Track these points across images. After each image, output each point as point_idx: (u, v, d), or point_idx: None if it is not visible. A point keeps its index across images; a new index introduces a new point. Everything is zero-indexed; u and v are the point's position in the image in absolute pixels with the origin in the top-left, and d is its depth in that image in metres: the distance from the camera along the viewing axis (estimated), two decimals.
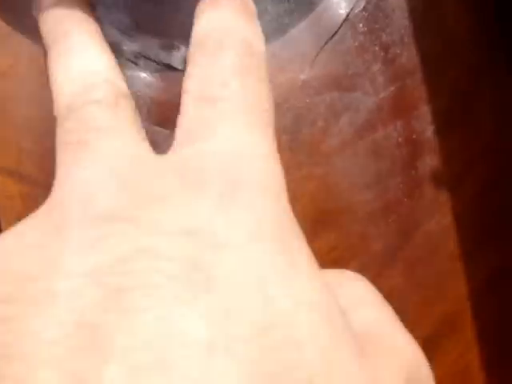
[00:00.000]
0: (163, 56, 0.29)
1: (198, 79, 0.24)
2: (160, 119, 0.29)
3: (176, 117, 0.29)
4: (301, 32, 0.29)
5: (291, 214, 0.21)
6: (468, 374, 0.30)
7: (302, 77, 0.29)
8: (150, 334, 0.17)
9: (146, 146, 0.24)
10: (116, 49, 0.29)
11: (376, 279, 0.29)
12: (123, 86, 0.25)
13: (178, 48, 0.29)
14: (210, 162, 0.21)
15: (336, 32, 0.30)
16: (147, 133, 0.29)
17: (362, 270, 0.29)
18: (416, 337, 0.30)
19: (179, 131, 0.24)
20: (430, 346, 0.30)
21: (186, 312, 0.18)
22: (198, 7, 0.26)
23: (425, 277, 0.30)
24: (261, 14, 0.29)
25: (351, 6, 0.30)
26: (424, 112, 0.30)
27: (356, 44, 0.30)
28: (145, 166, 0.22)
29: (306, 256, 0.21)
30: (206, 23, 0.25)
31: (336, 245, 0.29)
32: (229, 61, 0.23)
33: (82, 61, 0.25)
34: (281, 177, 0.22)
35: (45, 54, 0.28)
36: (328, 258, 0.29)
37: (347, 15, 0.30)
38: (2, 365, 0.17)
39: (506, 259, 0.30)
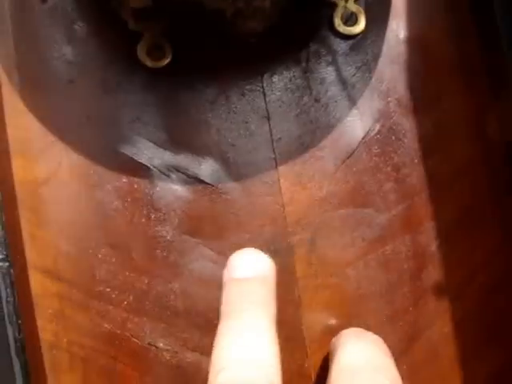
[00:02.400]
0: (193, 169, 0.32)
1: None
2: (189, 229, 0.32)
3: (203, 228, 0.32)
4: (321, 151, 0.32)
5: None
6: None
7: (321, 194, 0.32)
8: None
9: None
10: (150, 162, 0.32)
11: None
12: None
13: (207, 162, 0.32)
14: None
15: (353, 153, 0.32)
16: (177, 242, 0.32)
17: None
18: None
19: None
20: None
21: None
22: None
23: (427, 380, 0.32)
24: (286, 133, 0.32)
25: (367, 129, 0.32)
26: (429, 227, 0.32)
27: (371, 164, 0.32)
28: None
29: None
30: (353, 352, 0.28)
31: None
32: None
33: (248, 349, 0.26)
34: None
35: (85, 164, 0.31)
36: None
37: (363, 137, 0.32)
38: None
39: (503, 364, 0.33)
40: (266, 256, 0.29)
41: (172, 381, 0.31)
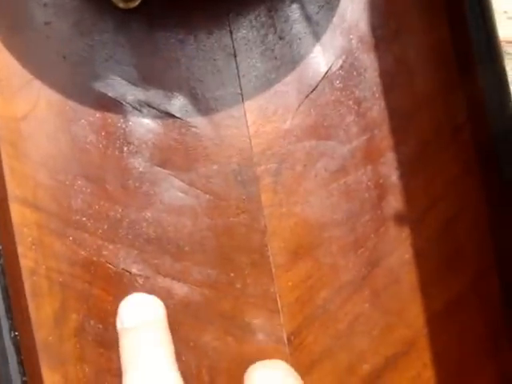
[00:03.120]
0: (164, 105, 0.33)
1: None
2: (160, 160, 0.33)
3: (174, 160, 0.33)
4: (285, 86, 0.34)
5: None
6: None
7: (285, 126, 0.34)
8: None
9: None
10: (123, 98, 0.33)
11: (345, 305, 0.34)
12: None
13: (177, 98, 0.34)
14: None
15: (316, 87, 0.34)
16: (149, 173, 0.33)
17: (334, 297, 0.34)
18: (379, 356, 0.34)
19: None
20: (391, 364, 0.34)
21: None
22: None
23: (388, 304, 0.34)
24: (251, 69, 0.34)
25: (330, 65, 0.34)
26: (390, 159, 0.34)
27: (333, 98, 0.34)
28: None
29: None
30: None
31: (311, 274, 0.33)
32: None
33: None
34: None
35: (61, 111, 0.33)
36: (304, 286, 0.33)
37: (326, 73, 0.34)
38: None
39: (460, 291, 0.34)
40: (153, 297, 0.32)
41: None
